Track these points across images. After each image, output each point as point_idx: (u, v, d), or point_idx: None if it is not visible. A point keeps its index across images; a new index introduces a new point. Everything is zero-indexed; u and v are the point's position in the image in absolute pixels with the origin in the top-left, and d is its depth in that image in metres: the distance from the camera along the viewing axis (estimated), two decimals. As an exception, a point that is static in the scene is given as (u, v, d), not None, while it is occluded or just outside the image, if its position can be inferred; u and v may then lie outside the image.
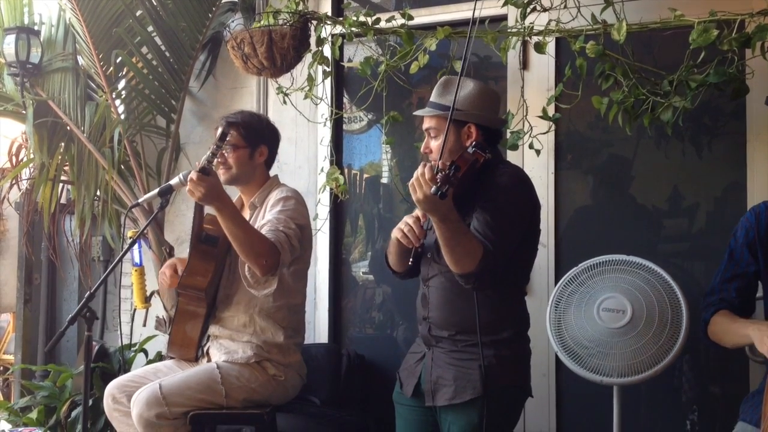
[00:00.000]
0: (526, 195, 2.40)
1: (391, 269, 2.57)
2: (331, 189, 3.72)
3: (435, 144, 2.40)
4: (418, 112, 2.51)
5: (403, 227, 2.28)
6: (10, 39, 4.14)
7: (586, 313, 2.83)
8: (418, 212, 2.29)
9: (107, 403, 2.89)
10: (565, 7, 2.90)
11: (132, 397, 2.76)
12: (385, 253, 2.60)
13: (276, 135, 3.07)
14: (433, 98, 2.45)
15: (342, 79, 3.95)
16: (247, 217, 2.95)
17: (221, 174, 2.89)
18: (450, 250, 2.17)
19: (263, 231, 2.69)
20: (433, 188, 2.00)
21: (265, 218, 2.81)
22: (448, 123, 2.20)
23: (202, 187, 2.50)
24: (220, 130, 2.72)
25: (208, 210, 2.73)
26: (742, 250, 2.25)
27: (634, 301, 2.75)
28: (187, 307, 2.90)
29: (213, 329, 2.96)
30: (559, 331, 2.88)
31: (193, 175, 2.51)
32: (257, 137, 2.96)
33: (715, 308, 2.25)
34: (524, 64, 3.45)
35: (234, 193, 3.00)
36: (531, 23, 2.99)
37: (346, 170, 3.95)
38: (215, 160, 2.56)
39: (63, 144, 4.38)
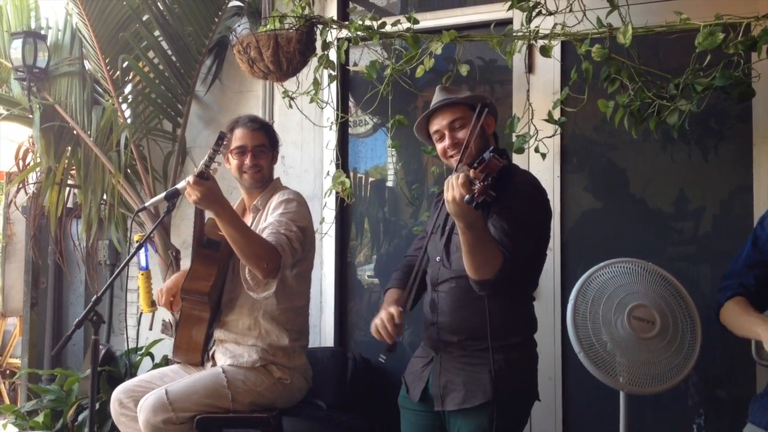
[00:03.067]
0: (542, 204, 2.42)
1: None
2: (336, 193, 3.72)
3: (463, 133, 2.40)
4: (437, 106, 2.47)
5: (378, 323, 2.34)
6: (17, 43, 4.17)
7: (616, 317, 2.79)
8: (393, 309, 2.33)
9: (114, 408, 2.89)
10: (571, 10, 2.90)
11: (138, 402, 2.76)
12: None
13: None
14: (442, 98, 2.48)
15: (348, 83, 3.96)
16: (250, 220, 2.96)
17: (249, 177, 2.94)
18: (472, 257, 2.16)
19: (264, 234, 2.69)
20: (467, 197, 1.97)
21: (267, 221, 2.82)
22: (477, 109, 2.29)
23: (199, 191, 2.50)
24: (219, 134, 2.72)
25: (209, 215, 2.74)
26: (767, 240, 2.22)
27: (661, 313, 2.74)
28: (192, 312, 2.91)
29: (218, 333, 2.96)
30: (584, 330, 2.80)
31: (191, 178, 2.52)
32: (275, 141, 3.04)
33: (732, 292, 2.22)
34: (530, 68, 3.45)
35: (233, 198, 3.02)
36: (536, 27, 2.99)
37: (351, 174, 3.96)
38: (213, 164, 2.56)
39: (70, 148, 4.40)
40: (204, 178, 2.52)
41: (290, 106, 3.58)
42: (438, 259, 2.45)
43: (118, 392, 2.90)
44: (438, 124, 2.47)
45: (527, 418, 2.47)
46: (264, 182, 2.99)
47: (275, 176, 3.11)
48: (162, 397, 2.70)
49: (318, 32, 3.37)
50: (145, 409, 2.69)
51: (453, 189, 2.03)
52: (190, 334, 2.93)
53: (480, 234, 2.12)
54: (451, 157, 2.43)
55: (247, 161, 2.92)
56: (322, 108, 3.73)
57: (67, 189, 4.61)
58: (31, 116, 4.25)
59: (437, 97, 2.50)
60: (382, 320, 2.32)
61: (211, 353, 2.99)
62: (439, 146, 2.48)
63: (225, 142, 2.60)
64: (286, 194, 2.92)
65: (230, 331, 2.93)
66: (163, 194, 2.78)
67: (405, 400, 2.54)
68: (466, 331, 2.35)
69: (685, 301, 2.78)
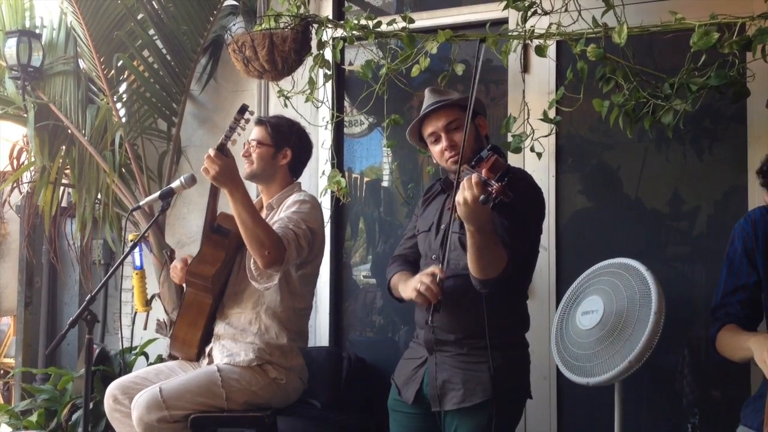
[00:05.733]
0: (539, 202, 2.44)
1: (395, 298, 2.60)
2: (332, 192, 3.72)
3: (459, 135, 2.39)
4: (431, 109, 2.45)
5: (419, 287, 2.23)
6: (12, 42, 4.15)
7: (571, 321, 2.88)
8: (434, 269, 2.26)
9: (108, 403, 2.88)
10: (566, 10, 2.90)
11: (133, 398, 2.76)
12: (388, 284, 2.63)
13: (304, 143, 3.12)
14: (434, 100, 2.47)
15: (343, 83, 3.95)
16: (263, 216, 2.98)
17: (244, 168, 2.95)
18: (479, 258, 2.15)
19: (274, 227, 2.71)
20: (482, 197, 1.93)
21: (279, 217, 2.84)
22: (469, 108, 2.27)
23: (217, 165, 2.55)
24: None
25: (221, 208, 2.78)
26: (741, 261, 2.20)
27: (606, 300, 2.75)
28: (195, 298, 2.92)
29: (218, 327, 2.97)
30: (557, 345, 2.93)
31: (211, 151, 2.56)
32: (283, 139, 3.02)
33: (721, 323, 2.20)
34: (525, 68, 3.45)
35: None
36: (532, 26, 2.98)
37: (347, 174, 3.95)
38: (234, 134, 2.62)
39: (64, 147, 4.39)
40: (223, 151, 2.56)
41: (285, 105, 3.57)
42: (434, 257, 2.44)
43: (113, 388, 2.90)
44: (433, 126, 2.46)
45: (521, 416, 2.49)
46: (257, 176, 3.01)
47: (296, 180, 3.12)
48: (156, 395, 2.69)
49: (313, 31, 3.36)
50: (138, 407, 2.68)
51: (466, 190, 1.99)
52: (190, 324, 2.95)
53: (489, 236, 2.11)
54: (449, 159, 2.42)
55: (243, 153, 2.98)
56: (318, 107, 3.73)
57: (62, 188, 4.59)
58: (25, 115, 4.24)
59: (429, 100, 2.50)
60: (423, 282, 2.23)
61: (207, 350, 2.98)
62: (435, 148, 2.47)
63: (247, 116, 2.66)
64: (302, 196, 2.96)
65: (231, 325, 2.94)
66: (157, 193, 2.79)
67: (396, 403, 2.53)
68: (463, 330, 2.36)
69: (638, 274, 2.73)
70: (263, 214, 3.00)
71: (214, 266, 2.85)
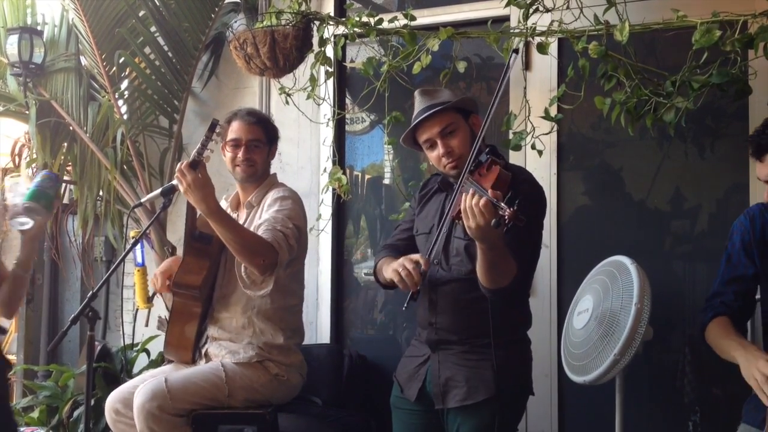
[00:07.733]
0: (543, 201, 2.43)
1: (380, 283, 2.56)
2: (333, 189, 3.72)
3: (456, 140, 2.36)
4: (425, 116, 2.38)
5: (400, 271, 2.22)
6: (13, 39, 4.16)
7: (571, 322, 2.89)
8: (419, 257, 2.25)
9: (110, 415, 2.84)
10: (568, 7, 2.90)
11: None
12: (374, 268, 2.59)
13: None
14: (426, 104, 2.40)
15: (344, 80, 3.95)
16: (244, 216, 2.96)
17: (241, 171, 2.92)
18: (490, 271, 2.13)
19: (260, 231, 2.68)
20: (494, 221, 1.88)
21: (262, 218, 2.81)
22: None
23: (186, 181, 2.49)
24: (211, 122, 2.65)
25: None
26: (739, 255, 2.25)
27: (596, 299, 2.76)
28: (183, 308, 2.89)
29: (212, 331, 2.95)
30: (563, 347, 2.95)
31: (183, 166, 2.50)
32: (273, 136, 3.03)
33: (713, 312, 2.24)
34: (527, 65, 3.44)
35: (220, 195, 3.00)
36: (533, 24, 2.98)
37: (348, 171, 3.95)
38: (206, 151, 2.54)
39: (66, 144, 4.39)
40: (194, 167, 2.50)
41: (287, 102, 3.58)
42: (435, 261, 2.42)
43: (114, 401, 2.85)
44: (428, 132, 2.38)
45: (523, 413, 2.49)
46: (256, 177, 2.97)
47: (272, 172, 3.10)
48: (161, 384, 2.68)
49: (315, 28, 3.36)
50: (141, 394, 2.66)
51: (477, 216, 1.94)
52: (182, 330, 2.92)
53: (501, 251, 2.08)
54: (447, 165, 2.38)
55: (240, 155, 2.91)
56: (319, 105, 3.73)
57: (63, 185, 4.60)
58: (27, 112, 4.24)
59: (420, 104, 2.43)
60: (406, 268, 2.21)
61: (203, 351, 2.97)
62: (432, 154, 2.41)
63: (218, 131, 2.59)
64: (282, 192, 2.91)
65: (224, 329, 2.92)
66: (159, 190, 2.78)
67: (398, 401, 2.53)
68: (467, 330, 2.35)
69: (619, 268, 2.73)
70: (243, 214, 2.97)
71: (200, 275, 2.81)
